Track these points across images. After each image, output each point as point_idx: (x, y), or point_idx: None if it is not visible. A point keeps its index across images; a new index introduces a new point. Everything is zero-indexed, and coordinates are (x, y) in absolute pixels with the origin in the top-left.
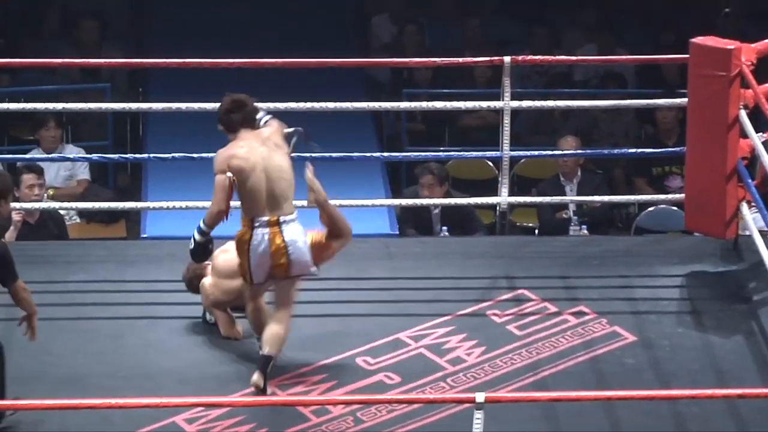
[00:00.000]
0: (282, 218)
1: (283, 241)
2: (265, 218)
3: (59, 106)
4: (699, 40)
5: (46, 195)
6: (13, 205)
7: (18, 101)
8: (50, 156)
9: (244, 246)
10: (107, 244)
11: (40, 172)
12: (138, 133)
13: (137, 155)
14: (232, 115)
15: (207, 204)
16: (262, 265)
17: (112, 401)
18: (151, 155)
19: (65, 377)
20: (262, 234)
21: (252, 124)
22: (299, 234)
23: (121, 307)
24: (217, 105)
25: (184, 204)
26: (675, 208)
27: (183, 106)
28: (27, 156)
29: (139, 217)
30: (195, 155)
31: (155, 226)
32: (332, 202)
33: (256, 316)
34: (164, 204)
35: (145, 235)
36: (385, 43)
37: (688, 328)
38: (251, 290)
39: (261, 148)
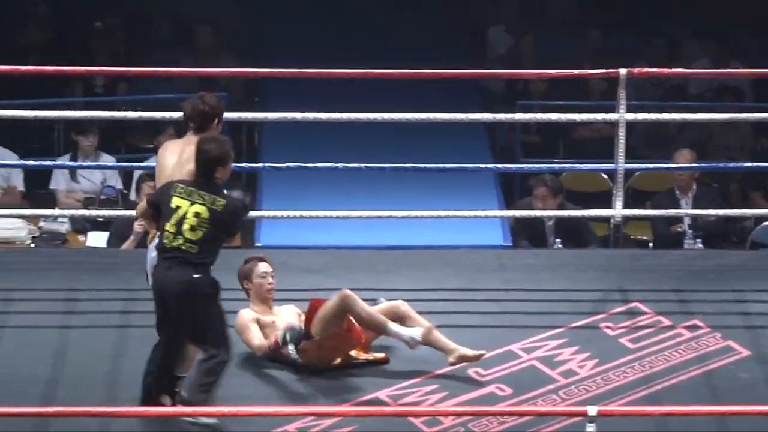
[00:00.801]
0: None
1: None
2: None
3: (176, 114)
4: None
5: None
6: (131, 212)
7: (135, 110)
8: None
9: None
10: (222, 252)
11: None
12: (253, 142)
13: (252, 164)
14: None
15: (321, 214)
16: None
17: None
18: (266, 164)
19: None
20: None
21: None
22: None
23: (235, 316)
24: (331, 115)
25: (298, 213)
26: None
27: (298, 115)
28: (143, 164)
29: (254, 226)
30: (310, 165)
31: (269, 235)
32: (446, 213)
33: None
34: (278, 213)
35: (259, 244)
36: (500, 55)
37: None
38: None
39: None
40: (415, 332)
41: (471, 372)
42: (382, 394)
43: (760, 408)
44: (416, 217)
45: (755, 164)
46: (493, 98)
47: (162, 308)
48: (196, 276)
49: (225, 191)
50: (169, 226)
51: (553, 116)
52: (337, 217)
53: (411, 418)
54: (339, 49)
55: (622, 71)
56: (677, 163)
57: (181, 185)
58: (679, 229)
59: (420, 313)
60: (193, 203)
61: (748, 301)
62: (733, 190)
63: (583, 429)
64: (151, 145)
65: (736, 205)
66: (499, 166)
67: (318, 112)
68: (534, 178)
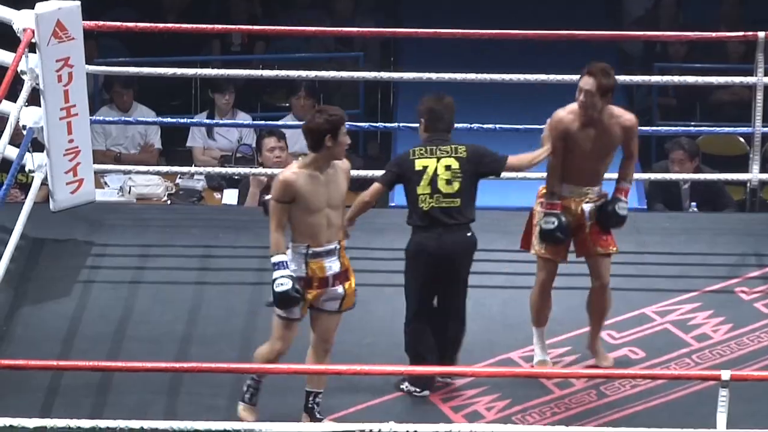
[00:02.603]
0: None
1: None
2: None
3: (312, 74)
4: None
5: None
6: (263, 170)
7: (272, 68)
8: (298, 123)
9: None
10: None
11: (281, 136)
12: (389, 102)
13: (387, 124)
14: None
15: None
16: None
17: (358, 368)
18: (401, 125)
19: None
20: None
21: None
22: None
23: (369, 275)
24: (467, 75)
25: None
26: None
27: (434, 76)
28: (280, 122)
29: None
30: None
31: (403, 195)
32: None
33: None
34: None
35: (393, 204)
36: (637, 17)
37: None
38: None
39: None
40: None
41: (604, 335)
42: (515, 355)
43: None
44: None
45: None
46: (631, 61)
47: (434, 276)
48: (469, 234)
49: None
50: (421, 189)
51: (690, 79)
52: None
53: (543, 380)
54: (472, 10)
55: (761, 34)
56: None
57: (417, 148)
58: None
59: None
60: (438, 159)
61: None
62: None
63: (717, 393)
64: (287, 104)
65: None
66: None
67: (452, 72)
68: (670, 142)
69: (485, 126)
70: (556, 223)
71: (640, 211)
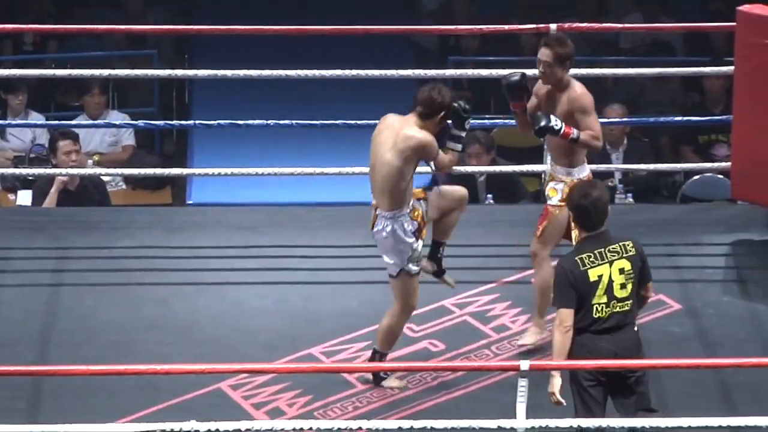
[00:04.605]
0: (378, 212)
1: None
2: (373, 202)
3: (105, 72)
4: (746, 7)
5: (91, 161)
6: (61, 170)
7: (65, 67)
8: (96, 122)
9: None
10: (153, 210)
11: (75, 138)
12: (184, 99)
13: (183, 122)
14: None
15: (252, 171)
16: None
17: (158, 367)
18: (197, 122)
19: (111, 343)
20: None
21: (418, 113)
22: (388, 232)
23: (167, 274)
24: (263, 72)
25: (229, 170)
26: (721, 176)
27: (229, 72)
28: (74, 122)
29: (185, 184)
30: (240, 122)
31: (201, 193)
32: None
33: None
34: (210, 170)
35: (190, 202)
36: (432, 10)
37: (734, 297)
38: None
39: (388, 135)
40: None
41: (404, 328)
42: (315, 351)
43: (691, 361)
44: (348, 173)
45: (686, 118)
46: (425, 54)
47: None
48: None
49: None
50: (596, 299)
51: (484, 72)
52: (269, 174)
53: (345, 375)
54: (269, 7)
55: (552, 26)
56: (608, 118)
57: (587, 253)
58: (610, 184)
59: (351, 269)
60: (611, 263)
61: (680, 255)
62: (663, 144)
63: (516, 383)
64: (80, 103)
65: (667, 160)
66: None
67: (248, 69)
68: (466, 136)
69: (281, 122)
70: (520, 75)
71: None
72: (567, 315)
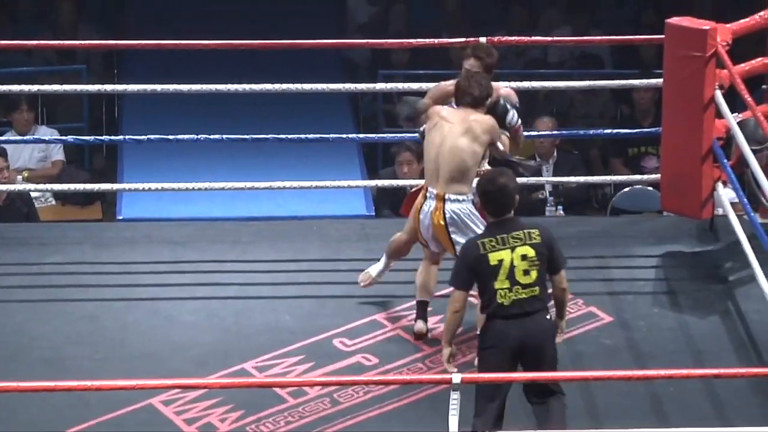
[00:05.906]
0: (448, 195)
1: (444, 220)
2: (434, 191)
3: (34, 88)
4: (675, 20)
5: (20, 177)
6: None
7: None
8: (25, 138)
9: (416, 212)
10: (83, 226)
11: (3, 155)
12: (114, 115)
13: (113, 137)
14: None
15: (183, 186)
16: (427, 234)
17: (89, 383)
18: (127, 137)
19: (42, 359)
20: (429, 206)
21: (470, 104)
22: (463, 216)
23: (98, 289)
24: (192, 86)
25: (159, 185)
26: (651, 188)
27: (158, 87)
28: (2, 138)
29: (115, 199)
30: (170, 137)
31: (131, 208)
32: (309, 183)
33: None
34: (140, 186)
35: (120, 217)
36: (361, 24)
37: (664, 309)
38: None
39: (456, 125)
40: None
41: (337, 342)
42: (248, 366)
43: (623, 373)
44: (279, 188)
45: (615, 131)
46: (356, 68)
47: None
48: None
49: None
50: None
51: (414, 86)
52: (200, 189)
53: (277, 390)
54: (199, 22)
55: (482, 39)
56: (538, 131)
57: (489, 238)
58: (540, 196)
59: (283, 284)
60: (513, 249)
61: (610, 267)
62: (593, 156)
63: (448, 396)
64: (7, 119)
65: (597, 172)
66: (362, 135)
67: (179, 84)
68: (396, 145)
69: (211, 137)
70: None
71: (368, 217)
72: (459, 296)
